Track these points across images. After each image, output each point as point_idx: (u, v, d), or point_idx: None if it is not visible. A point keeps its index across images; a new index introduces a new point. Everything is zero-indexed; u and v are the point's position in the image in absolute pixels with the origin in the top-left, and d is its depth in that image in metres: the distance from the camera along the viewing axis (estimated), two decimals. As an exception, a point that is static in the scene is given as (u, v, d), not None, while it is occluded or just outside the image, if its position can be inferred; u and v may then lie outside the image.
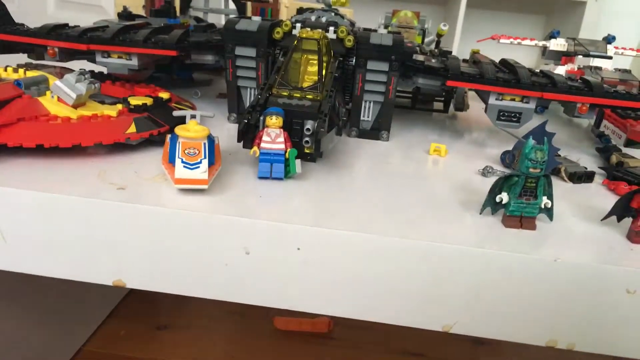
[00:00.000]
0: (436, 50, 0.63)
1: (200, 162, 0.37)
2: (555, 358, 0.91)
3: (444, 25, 0.73)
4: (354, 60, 0.52)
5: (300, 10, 0.62)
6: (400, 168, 0.48)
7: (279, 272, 0.35)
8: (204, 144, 0.38)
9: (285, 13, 0.97)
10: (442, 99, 0.74)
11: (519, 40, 0.82)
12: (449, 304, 0.35)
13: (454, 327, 0.36)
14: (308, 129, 0.42)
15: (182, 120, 0.41)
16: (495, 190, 0.37)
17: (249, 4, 0.85)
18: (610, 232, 0.38)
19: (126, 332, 0.91)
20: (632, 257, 0.35)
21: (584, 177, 0.48)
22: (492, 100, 0.52)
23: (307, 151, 0.43)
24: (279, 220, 0.35)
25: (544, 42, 0.79)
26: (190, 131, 0.38)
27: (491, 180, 0.43)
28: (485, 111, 0.53)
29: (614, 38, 0.76)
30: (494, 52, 0.74)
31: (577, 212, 0.41)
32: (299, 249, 0.35)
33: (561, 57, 0.76)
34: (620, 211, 0.37)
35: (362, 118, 0.55)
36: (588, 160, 0.55)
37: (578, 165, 0.50)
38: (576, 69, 0.72)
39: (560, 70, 0.73)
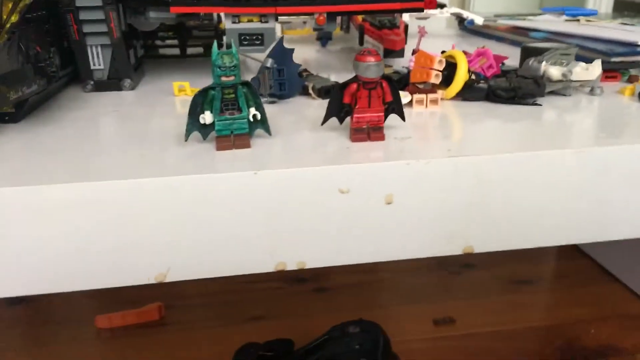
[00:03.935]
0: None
1: None
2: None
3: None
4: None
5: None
6: (124, 113, 0.42)
7: None
8: None
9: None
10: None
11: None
12: (160, 247, 0.30)
13: (168, 274, 0.30)
14: (-22, 80, 0.34)
15: None
16: (196, 110, 0.32)
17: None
18: (335, 136, 0.35)
19: None
20: (345, 156, 0.32)
21: (332, 90, 0.45)
22: (229, 24, 0.47)
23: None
24: None
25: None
26: None
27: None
28: (226, 38, 0.48)
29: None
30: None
31: (312, 125, 0.38)
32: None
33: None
34: (336, 111, 0.34)
35: (93, 67, 0.48)
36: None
37: (327, 80, 0.47)
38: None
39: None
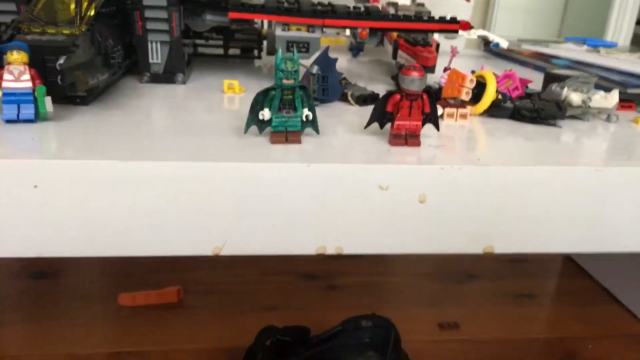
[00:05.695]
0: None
1: None
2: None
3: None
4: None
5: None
6: (181, 104, 0.46)
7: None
8: None
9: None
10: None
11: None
12: (216, 225, 0.34)
13: (223, 248, 0.35)
14: (60, 64, 0.38)
15: None
16: (256, 107, 0.37)
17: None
18: (375, 139, 0.39)
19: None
20: (386, 157, 0.36)
21: (369, 99, 0.49)
22: (279, 31, 0.51)
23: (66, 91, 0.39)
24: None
25: (353, -15, 0.81)
26: None
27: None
28: (275, 44, 0.52)
29: (415, -22, 0.80)
30: None
31: (352, 128, 0.42)
32: (35, 186, 0.31)
33: (370, -3, 0.79)
34: (378, 117, 0.38)
35: (151, 61, 0.52)
36: (384, 88, 0.57)
37: (365, 89, 0.51)
38: (380, 8, 0.74)
39: (368, 10, 0.74)
